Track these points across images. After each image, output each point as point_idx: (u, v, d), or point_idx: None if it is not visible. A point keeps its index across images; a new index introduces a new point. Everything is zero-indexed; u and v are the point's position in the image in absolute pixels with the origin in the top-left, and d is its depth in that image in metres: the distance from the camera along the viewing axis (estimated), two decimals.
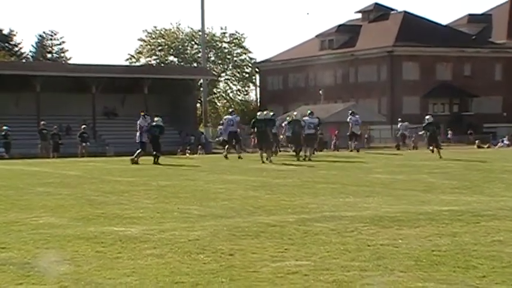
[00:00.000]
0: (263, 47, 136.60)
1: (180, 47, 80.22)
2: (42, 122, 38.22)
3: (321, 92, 64.11)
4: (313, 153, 27.20)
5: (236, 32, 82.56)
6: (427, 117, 29.14)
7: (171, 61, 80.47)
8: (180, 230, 8.58)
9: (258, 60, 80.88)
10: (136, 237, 8.05)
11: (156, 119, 25.60)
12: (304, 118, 27.36)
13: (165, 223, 9.22)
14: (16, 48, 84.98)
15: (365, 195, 12.35)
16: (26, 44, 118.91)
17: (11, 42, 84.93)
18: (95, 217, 9.91)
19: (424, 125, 28.51)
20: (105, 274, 6.21)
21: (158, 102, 48.84)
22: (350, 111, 35.24)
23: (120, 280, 5.99)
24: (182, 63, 77.87)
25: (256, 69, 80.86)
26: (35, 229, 8.78)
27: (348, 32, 72.41)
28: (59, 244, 7.68)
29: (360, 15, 75.60)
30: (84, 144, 35.75)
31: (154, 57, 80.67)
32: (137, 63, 78.55)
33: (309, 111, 29.05)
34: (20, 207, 11.34)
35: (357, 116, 33.65)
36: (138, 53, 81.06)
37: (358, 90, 66.43)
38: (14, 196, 13.24)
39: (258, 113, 27.33)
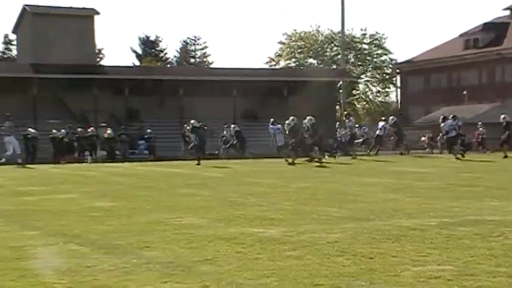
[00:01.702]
0: (404, 47, 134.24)
1: (319, 49, 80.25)
2: (186, 126, 39.54)
3: (464, 92, 62.32)
4: (462, 155, 27.30)
5: (376, 32, 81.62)
6: (502, 116, 28.64)
7: (310, 63, 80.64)
8: (319, 232, 8.55)
9: (399, 61, 79.63)
10: (275, 239, 8.09)
11: (308, 117, 27.70)
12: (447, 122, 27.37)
13: (304, 225, 9.22)
14: (161, 54, 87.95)
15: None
16: (171, 50, 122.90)
17: (157, 48, 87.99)
18: (235, 218, 10.07)
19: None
20: (246, 274, 6.28)
21: (297, 105, 49.06)
22: (451, 116, 33.99)
23: (260, 281, 6.03)
24: (321, 65, 77.86)
25: (397, 70, 79.59)
26: (178, 229, 9.02)
27: (494, 30, 69.82)
28: (201, 244, 7.84)
29: (507, 12, 72.76)
30: (224, 146, 36.89)
31: (293, 59, 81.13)
32: (277, 66, 79.28)
33: (451, 115, 28.91)
34: (164, 207, 11.69)
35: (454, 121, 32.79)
36: (278, 55, 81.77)
37: (504, 90, 64.00)
38: (159, 197, 13.67)
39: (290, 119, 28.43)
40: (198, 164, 27.19)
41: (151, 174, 21.45)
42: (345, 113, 33.85)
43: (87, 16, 50.36)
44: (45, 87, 43.62)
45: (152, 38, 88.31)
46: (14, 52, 69.38)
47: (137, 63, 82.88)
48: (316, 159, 26.97)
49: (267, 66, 77.77)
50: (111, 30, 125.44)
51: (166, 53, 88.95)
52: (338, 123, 36.73)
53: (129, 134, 40.05)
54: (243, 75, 50.27)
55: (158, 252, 7.40)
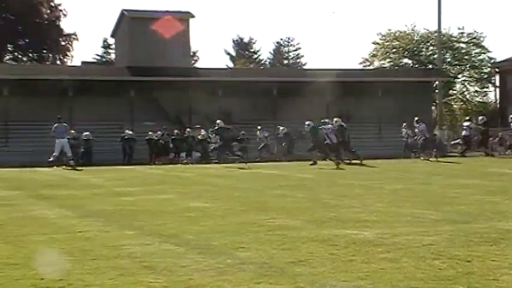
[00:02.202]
0: (504, 45, 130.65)
1: (414, 48, 78.97)
2: (280, 127, 40.06)
3: None
4: None
5: (474, 31, 79.66)
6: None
7: (405, 63, 79.46)
8: (414, 234, 8.42)
9: (498, 60, 77.45)
10: (369, 241, 8.02)
11: (335, 119, 28.79)
12: None
13: (399, 227, 9.10)
14: (255, 56, 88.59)
15: None
16: (264, 51, 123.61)
17: (250, 50, 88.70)
18: (328, 220, 10.02)
19: None
20: (339, 276, 6.24)
21: (392, 105, 48.48)
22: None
23: (354, 283, 5.99)
24: (417, 65, 76.60)
25: (496, 69, 77.43)
26: (271, 230, 9.05)
27: None
28: (294, 245, 7.84)
29: None
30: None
31: (388, 60, 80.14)
32: (371, 67, 78.52)
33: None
34: (258, 208, 11.75)
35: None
36: (372, 56, 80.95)
37: None
38: (253, 198, 13.76)
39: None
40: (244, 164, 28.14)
41: (244, 176, 21.61)
42: (416, 118, 33.29)
43: (182, 19, 51.18)
44: (141, 89, 44.58)
45: (246, 39, 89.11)
46: (112, 56, 71.25)
47: (231, 65, 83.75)
48: (333, 160, 27.17)
49: (361, 67, 77.13)
50: (205, 32, 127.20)
51: (259, 55, 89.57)
52: (404, 124, 36.29)
53: (223, 136, 40.39)
54: (336, 75, 49.98)
55: (252, 253, 7.44)
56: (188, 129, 39.56)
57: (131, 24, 49.68)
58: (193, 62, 69.47)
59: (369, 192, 14.39)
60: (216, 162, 32.03)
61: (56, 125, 29.24)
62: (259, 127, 39.85)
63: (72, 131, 36.77)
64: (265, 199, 13.47)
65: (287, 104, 46.97)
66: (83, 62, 62.18)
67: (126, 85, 44.88)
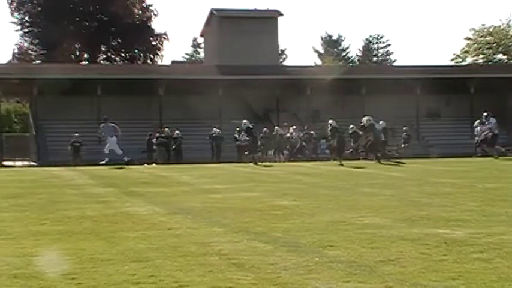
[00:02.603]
0: None
1: (509, 44, 76.85)
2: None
3: None
4: None
5: None
6: None
7: (499, 59, 77.42)
8: (509, 234, 8.18)
9: None
10: (461, 241, 7.83)
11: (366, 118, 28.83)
12: None
13: (493, 227, 8.86)
14: (343, 53, 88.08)
15: None
16: (353, 49, 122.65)
17: (339, 47, 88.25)
18: (418, 219, 9.85)
19: None
20: (430, 276, 6.12)
21: (485, 102, 47.29)
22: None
23: (446, 283, 5.86)
24: None
25: None
26: (361, 229, 8.96)
27: None
28: (383, 244, 7.74)
29: None
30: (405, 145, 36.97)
31: (481, 55, 78.23)
32: (463, 63, 76.84)
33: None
34: (347, 207, 11.66)
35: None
36: (464, 52, 79.19)
37: None
38: (342, 196, 13.66)
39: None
40: (255, 163, 28.08)
41: (332, 174, 21.50)
42: (485, 114, 32.30)
43: (271, 18, 51.38)
44: (230, 88, 44.98)
45: (334, 37, 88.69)
46: (202, 55, 72.18)
47: (319, 62, 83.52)
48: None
49: (452, 63, 75.58)
50: (294, 30, 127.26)
51: (348, 52, 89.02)
52: (478, 121, 35.26)
53: (311, 134, 40.35)
54: (426, 72, 49.15)
55: (340, 251, 7.39)
56: (276, 127, 39.62)
57: (220, 23, 50.19)
58: (281, 60, 69.61)
59: (461, 191, 14.07)
60: (304, 160, 31.99)
61: (102, 125, 29.91)
62: (294, 126, 39.08)
63: (167, 129, 37.46)
64: (354, 197, 13.36)
65: (375, 101, 46.48)
66: (173, 61, 63.26)
67: (214, 84, 45.37)
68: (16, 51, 71.64)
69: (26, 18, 69.25)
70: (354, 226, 9.22)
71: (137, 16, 70.87)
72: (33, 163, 38.79)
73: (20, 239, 8.51)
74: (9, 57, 71.88)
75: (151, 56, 72.86)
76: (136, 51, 71.85)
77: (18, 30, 70.33)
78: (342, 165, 25.89)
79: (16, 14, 69.34)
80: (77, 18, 66.63)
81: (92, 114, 42.83)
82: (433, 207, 11.18)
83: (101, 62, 69.84)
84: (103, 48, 71.80)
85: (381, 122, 31.08)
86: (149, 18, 72.54)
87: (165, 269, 6.59)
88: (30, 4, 68.41)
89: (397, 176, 19.56)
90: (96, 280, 6.17)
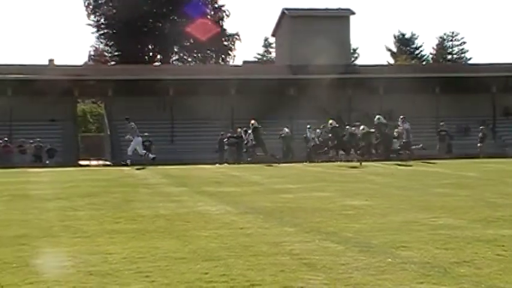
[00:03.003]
0: None
1: None
2: (441, 123, 39.00)
3: None
4: None
5: None
6: None
7: None
8: None
9: None
10: None
11: (377, 117, 28.21)
12: None
13: None
14: (417, 51, 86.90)
15: None
16: (427, 47, 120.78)
17: (412, 46, 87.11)
18: (494, 220, 9.64)
19: None
20: (507, 279, 5.99)
21: None
22: None
23: None
24: None
25: None
26: (434, 229, 8.83)
27: None
28: (458, 245, 7.60)
29: None
30: (480, 144, 36.15)
31: None
32: None
33: None
34: (420, 207, 11.50)
35: None
36: None
37: None
38: (414, 196, 13.48)
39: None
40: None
41: (404, 174, 21.23)
42: None
43: (343, 17, 51.10)
44: (301, 87, 44.91)
45: (407, 35, 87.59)
46: (273, 55, 72.30)
47: (392, 61, 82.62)
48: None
49: None
50: (366, 29, 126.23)
51: (421, 50, 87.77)
52: None
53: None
54: (502, 70, 48.08)
55: (413, 252, 7.29)
56: (347, 126, 39.34)
57: (292, 23, 50.18)
58: (353, 59, 69.18)
59: None
60: (374, 160, 31.66)
61: (132, 124, 29.92)
62: (308, 126, 38.35)
63: (239, 129, 37.64)
64: (427, 197, 13.16)
65: (450, 100, 45.74)
66: (244, 62, 63.54)
67: (286, 83, 45.38)
68: (92, 53, 73.27)
69: (102, 20, 70.69)
70: (427, 227, 9.09)
71: (209, 17, 71.47)
72: (107, 162, 39.55)
73: (95, 237, 8.68)
74: (85, 59, 73.57)
75: (223, 56, 73.38)
76: (208, 51, 72.46)
77: (94, 32, 71.92)
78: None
79: (92, 17, 70.89)
80: (151, 20, 67.65)
81: (164, 114, 43.42)
82: (509, 208, 10.93)
83: (174, 62, 70.71)
84: (176, 49, 72.68)
85: (376, 117, 30.88)
86: (221, 19, 73.10)
87: (236, 268, 6.62)
88: (105, 7, 69.81)
89: (471, 175, 19.18)
90: (169, 278, 6.25)
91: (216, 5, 72.85)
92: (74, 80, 42.78)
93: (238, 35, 74.11)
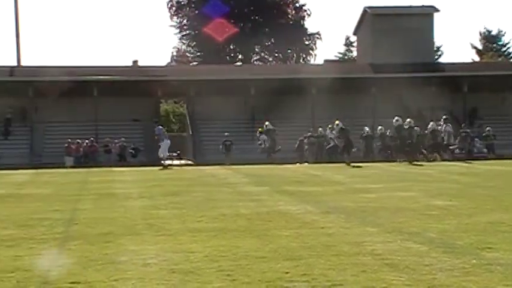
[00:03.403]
0: None
1: None
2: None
3: None
4: None
5: None
6: None
7: None
8: None
9: None
10: None
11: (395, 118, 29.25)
12: None
13: None
14: (504, 49, 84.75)
15: None
16: None
17: (499, 43, 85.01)
18: None
19: None
20: None
21: None
22: None
23: None
24: None
25: None
26: None
27: None
28: None
29: None
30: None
31: None
32: None
33: None
34: (505, 207, 11.23)
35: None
36: None
37: None
38: (500, 197, 13.16)
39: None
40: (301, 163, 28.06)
41: (490, 173, 20.75)
42: None
43: (426, 14, 50.22)
44: (383, 86, 44.38)
45: (494, 32, 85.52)
46: (354, 53, 71.79)
47: (477, 59, 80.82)
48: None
49: None
50: (450, 26, 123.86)
51: (509, 47, 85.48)
52: None
53: (467, 132, 39.17)
54: None
55: (500, 253, 7.11)
56: (431, 123, 38.64)
57: (374, 21, 49.65)
58: (436, 57, 68.00)
59: None
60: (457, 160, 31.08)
61: (160, 127, 30.74)
62: (330, 126, 37.26)
63: (320, 129, 37.51)
64: None
65: None
66: (325, 61, 63.27)
67: (368, 82, 44.96)
68: (174, 53, 74.29)
69: (184, 21, 71.58)
70: None
71: (290, 16, 71.47)
72: (190, 162, 40.02)
73: (177, 235, 8.79)
74: (168, 60, 74.67)
75: (304, 56, 73.25)
76: (289, 51, 72.47)
77: (176, 33, 72.88)
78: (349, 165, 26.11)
79: (175, 18, 71.88)
80: (232, 20, 68.14)
81: (245, 113, 43.63)
82: None
83: (254, 62, 71.02)
84: (257, 49, 72.97)
85: (395, 119, 31.44)
86: (302, 18, 72.98)
87: (317, 267, 6.59)
88: (188, 8, 70.67)
89: None
90: (250, 277, 6.27)
91: (297, 5, 72.77)
92: (157, 81, 43.43)
93: (319, 34, 73.84)
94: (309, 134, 37.48)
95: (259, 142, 35.65)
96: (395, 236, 8.37)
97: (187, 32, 71.86)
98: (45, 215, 11.16)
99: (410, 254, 7.13)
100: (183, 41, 73.15)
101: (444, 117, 33.28)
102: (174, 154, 30.11)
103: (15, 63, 46.74)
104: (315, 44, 73.79)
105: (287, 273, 6.39)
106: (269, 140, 33.68)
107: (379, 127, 36.53)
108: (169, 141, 29.84)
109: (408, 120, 31.88)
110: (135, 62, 47.73)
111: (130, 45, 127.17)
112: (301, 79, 43.89)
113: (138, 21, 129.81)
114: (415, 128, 32.21)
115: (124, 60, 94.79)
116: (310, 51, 73.54)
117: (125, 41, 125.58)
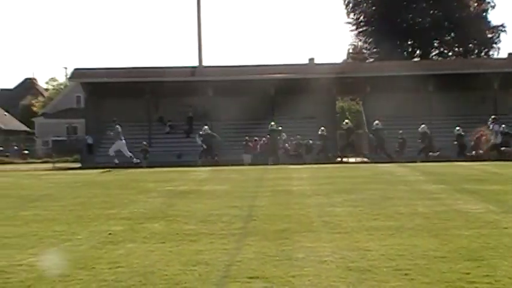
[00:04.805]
0: None
1: None
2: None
3: None
4: None
5: None
6: None
7: None
8: None
9: None
10: None
11: None
12: None
13: None
14: None
15: None
16: None
17: None
18: None
19: None
20: None
21: None
22: None
23: None
24: None
25: None
26: None
27: None
28: None
29: None
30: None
31: None
32: None
33: None
34: None
35: None
36: None
37: None
38: None
39: None
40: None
41: None
42: None
43: None
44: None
45: None
46: None
47: None
48: None
49: None
50: None
51: None
52: None
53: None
54: None
55: None
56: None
57: None
58: None
59: None
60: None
61: (118, 126, 31.65)
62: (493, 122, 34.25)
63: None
64: None
65: None
66: (509, 54, 60.66)
67: None
68: (351, 50, 74.10)
69: (361, 18, 71.25)
70: None
71: (472, 9, 69.17)
72: (365, 159, 39.69)
73: (353, 233, 8.75)
74: (344, 57, 74.61)
75: (486, 50, 70.61)
76: (470, 45, 70.17)
77: (353, 30, 72.69)
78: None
79: (352, 15, 71.75)
80: (410, 15, 66.96)
81: (425, 110, 42.60)
82: None
83: (433, 57, 69.40)
84: (436, 44, 71.27)
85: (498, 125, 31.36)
86: (485, 11, 70.41)
87: (501, 269, 6.33)
88: (365, 4, 70.29)
89: None
90: (429, 277, 6.12)
91: None
92: (333, 78, 43.44)
93: (504, 26, 70.85)
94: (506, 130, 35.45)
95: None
96: None
97: (364, 28, 71.46)
98: (224, 211, 11.48)
99: None
100: (360, 37, 72.82)
101: (493, 116, 31.70)
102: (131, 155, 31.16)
103: (196, 64, 48.38)
104: (498, 36, 70.92)
105: (468, 274, 6.19)
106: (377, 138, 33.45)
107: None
108: (123, 142, 31.17)
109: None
110: (311, 59, 48.03)
111: (308, 43, 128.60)
112: (485, 73, 42.27)
113: (316, 19, 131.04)
114: None
115: (301, 59, 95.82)
116: (493, 45, 70.75)
117: (302, 39, 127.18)
